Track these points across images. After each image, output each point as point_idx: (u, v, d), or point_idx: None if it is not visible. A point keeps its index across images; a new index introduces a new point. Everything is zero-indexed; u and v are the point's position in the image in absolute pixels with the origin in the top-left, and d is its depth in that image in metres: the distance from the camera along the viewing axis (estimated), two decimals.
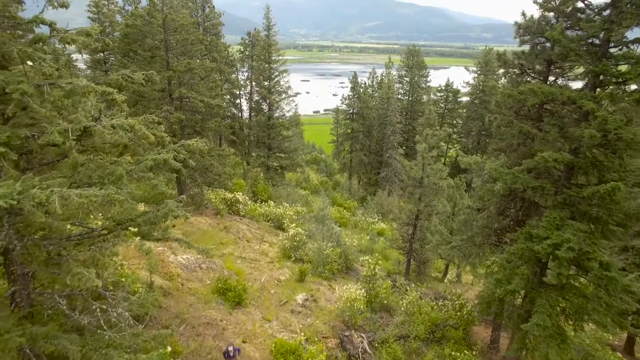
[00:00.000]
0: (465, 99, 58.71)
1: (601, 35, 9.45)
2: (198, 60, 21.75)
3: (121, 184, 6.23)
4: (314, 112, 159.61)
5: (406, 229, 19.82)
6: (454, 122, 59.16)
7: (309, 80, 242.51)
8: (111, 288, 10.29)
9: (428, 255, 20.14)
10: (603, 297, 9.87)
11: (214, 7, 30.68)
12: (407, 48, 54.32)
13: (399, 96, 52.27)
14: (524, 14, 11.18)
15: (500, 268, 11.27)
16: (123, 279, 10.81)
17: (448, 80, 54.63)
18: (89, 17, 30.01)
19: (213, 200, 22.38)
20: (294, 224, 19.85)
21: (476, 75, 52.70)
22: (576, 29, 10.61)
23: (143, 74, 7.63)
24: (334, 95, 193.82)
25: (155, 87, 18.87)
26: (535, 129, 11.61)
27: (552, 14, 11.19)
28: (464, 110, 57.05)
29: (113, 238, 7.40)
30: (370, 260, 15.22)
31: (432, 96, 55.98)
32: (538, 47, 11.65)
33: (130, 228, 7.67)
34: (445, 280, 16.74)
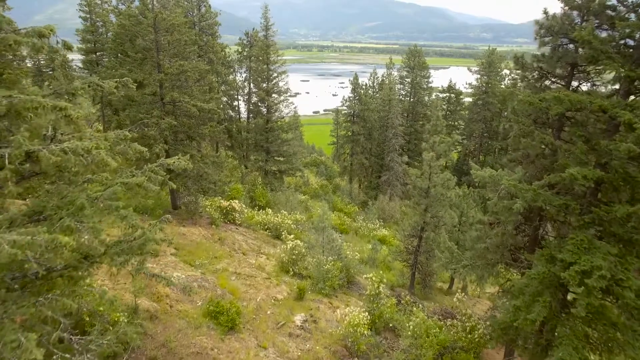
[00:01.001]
0: (467, 99, 57.67)
1: (637, 35, 8.40)
2: (194, 61, 20.73)
3: (82, 216, 5.17)
4: (314, 112, 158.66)
5: (411, 241, 18.78)
6: (456, 123, 58.12)
7: (308, 81, 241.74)
8: (87, 319, 9.28)
9: (434, 268, 19.11)
10: (637, 329, 8.83)
11: (210, 6, 29.60)
12: (409, 48, 53.20)
13: (400, 97, 51.19)
14: (546, 12, 10.12)
15: (519, 293, 10.22)
16: (102, 308, 9.75)
17: (450, 81, 53.53)
18: (80, 17, 28.94)
19: (208, 208, 21.31)
20: (292, 235, 18.81)
21: (479, 76, 51.66)
22: (604, 28, 9.59)
23: (116, 82, 6.58)
24: (334, 95, 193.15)
25: (145, 91, 17.83)
26: (557, 139, 10.58)
27: (575, 12, 10.18)
28: (466, 112, 56.08)
29: (81, 274, 6.35)
30: (374, 278, 14.17)
31: (434, 97, 54.82)
32: (560, 49, 10.60)
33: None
34: (455, 299, 15.67)
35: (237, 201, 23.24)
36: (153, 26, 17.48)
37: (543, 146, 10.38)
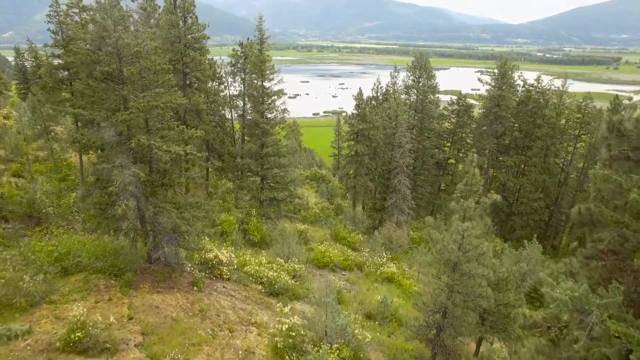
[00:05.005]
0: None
1: None
2: (170, 92, 17.30)
3: None
4: (314, 114, 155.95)
5: (432, 313, 15.44)
6: (463, 135, 54.66)
7: (308, 81, 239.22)
8: None
9: (459, 345, 15.81)
10: None
11: (197, 18, 26.17)
12: (414, 55, 49.63)
13: (405, 109, 47.65)
14: None
15: None
16: None
17: (460, 93, 50.16)
18: (49, 30, 25.45)
19: (189, 267, 17.92)
20: (288, 308, 15.47)
21: (490, 87, 48.22)
22: None
23: None
24: (334, 96, 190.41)
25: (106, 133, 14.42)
26: None
27: None
28: (474, 126, 52.55)
29: None
30: None
31: (442, 107, 51.31)
32: None
33: None
34: None
35: (224, 251, 19.84)
36: (116, 53, 14.08)
37: None
